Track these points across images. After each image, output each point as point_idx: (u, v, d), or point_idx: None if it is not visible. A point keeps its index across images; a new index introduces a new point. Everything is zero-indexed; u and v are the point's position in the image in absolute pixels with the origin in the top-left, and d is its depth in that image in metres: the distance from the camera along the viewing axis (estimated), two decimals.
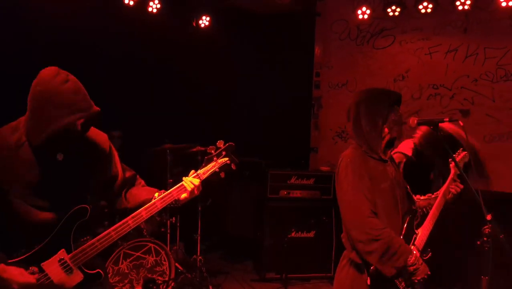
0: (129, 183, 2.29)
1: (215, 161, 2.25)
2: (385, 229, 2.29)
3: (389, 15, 5.36)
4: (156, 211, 2.11)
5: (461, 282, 4.54)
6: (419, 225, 2.50)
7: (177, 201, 2.16)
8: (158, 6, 5.31)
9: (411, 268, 2.29)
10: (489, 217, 2.29)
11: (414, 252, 2.35)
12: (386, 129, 2.42)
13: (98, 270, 2.07)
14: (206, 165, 2.24)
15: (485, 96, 5.00)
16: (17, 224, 1.97)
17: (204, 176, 2.21)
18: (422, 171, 2.80)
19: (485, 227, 2.26)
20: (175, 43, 5.69)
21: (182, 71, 5.79)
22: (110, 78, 5.04)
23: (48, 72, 1.94)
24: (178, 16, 5.68)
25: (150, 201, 2.14)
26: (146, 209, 2.10)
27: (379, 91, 2.55)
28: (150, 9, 5.31)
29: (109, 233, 2.04)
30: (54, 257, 1.98)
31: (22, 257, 1.95)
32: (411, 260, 2.28)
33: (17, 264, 1.93)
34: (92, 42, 4.93)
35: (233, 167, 2.28)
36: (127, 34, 5.28)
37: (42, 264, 1.97)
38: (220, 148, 2.28)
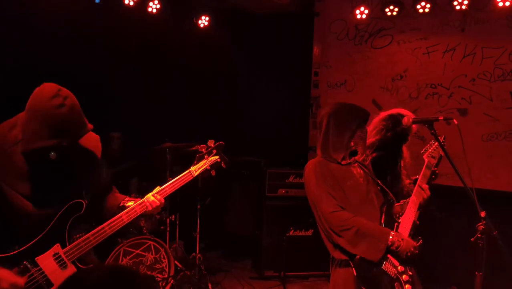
0: (110, 188, 2.38)
1: (206, 158, 2.37)
2: (354, 218, 2.41)
3: (387, 15, 5.39)
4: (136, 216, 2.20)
5: (456, 279, 4.57)
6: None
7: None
8: (158, 6, 5.36)
9: (393, 247, 2.38)
10: (483, 214, 2.32)
11: (393, 232, 2.43)
12: (351, 143, 2.59)
13: (91, 265, 2.11)
14: (197, 162, 2.36)
15: (482, 95, 5.02)
16: (13, 217, 2.00)
17: (196, 173, 2.32)
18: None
19: (479, 224, 2.30)
20: (174, 43, 5.73)
21: (182, 71, 5.82)
22: (110, 79, 5.07)
23: (48, 89, 1.94)
24: (177, 16, 5.73)
25: (114, 208, 2.26)
26: (139, 204, 2.20)
27: (351, 107, 2.67)
28: (150, 9, 5.35)
29: (103, 228, 2.09)
30: (48, 251, 2.02)
31: (16, 252, 1.98)
32: (392, 239, 2.38)
33: (11, 259, 1.96)
34: (92, 42, 4.97)
35: (223, 165, 2.41)
36: (127, 34, 5.32)
37: (36, 258, 2.00)
38: (210, 146, 2.40)
